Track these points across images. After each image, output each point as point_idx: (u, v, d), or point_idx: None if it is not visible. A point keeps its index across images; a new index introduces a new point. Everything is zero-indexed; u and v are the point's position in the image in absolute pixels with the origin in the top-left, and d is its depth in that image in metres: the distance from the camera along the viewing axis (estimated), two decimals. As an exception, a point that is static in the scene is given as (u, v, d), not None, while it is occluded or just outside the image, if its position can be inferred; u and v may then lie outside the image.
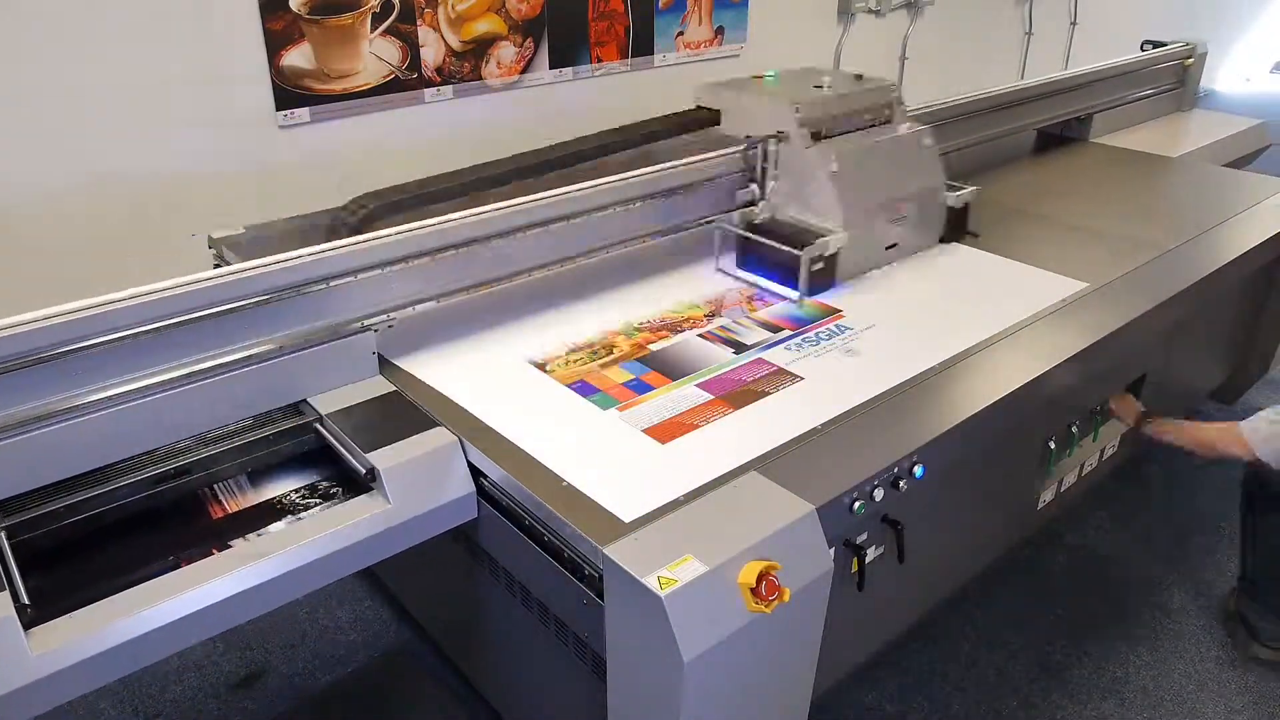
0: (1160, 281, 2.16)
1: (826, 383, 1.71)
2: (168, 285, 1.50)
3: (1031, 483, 2.10)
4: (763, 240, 2.08)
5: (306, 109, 2.86)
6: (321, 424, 1.62)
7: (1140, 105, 3.61)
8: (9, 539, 1.33)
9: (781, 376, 1.74)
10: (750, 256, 2.14)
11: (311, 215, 2.00)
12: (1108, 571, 2.46)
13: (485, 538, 1.63)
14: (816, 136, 2.13)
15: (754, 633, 1.27)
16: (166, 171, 2.66)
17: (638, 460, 1.49)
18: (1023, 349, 1.85)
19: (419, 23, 3.01)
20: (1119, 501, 2.73)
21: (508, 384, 1.73)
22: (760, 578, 1.24)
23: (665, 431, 1.56)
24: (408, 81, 3.05)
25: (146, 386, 1.49)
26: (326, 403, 1.66)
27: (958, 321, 1.95)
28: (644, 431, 1.57)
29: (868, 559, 1.58)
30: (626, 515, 1.35)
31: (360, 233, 1.74)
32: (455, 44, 3.12)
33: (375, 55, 2.95)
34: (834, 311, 2.00)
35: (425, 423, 1.59)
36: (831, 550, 1.40)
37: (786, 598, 1.26)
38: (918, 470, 1.53)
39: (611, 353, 1.83)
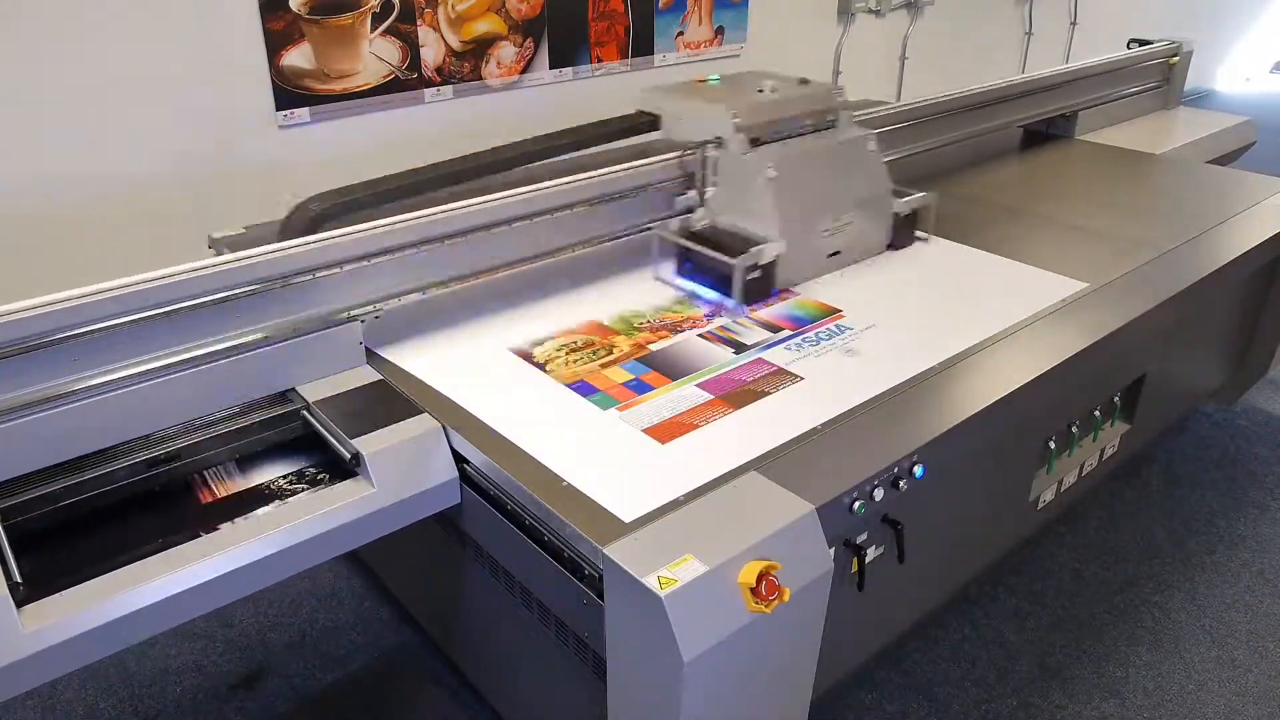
0: (1160, 281, 2.16)
1: (826, 383, 1.71)
2: (158, 275, 1.54)
3: (1031, 483, 2.10)
4: (698, 248, 2.03)
5: (306, 109, 2.87)
6: (309, 411, 1.65)
7: (1125, 103, 3.64)
8: (2, 521, 1.36)
9: (781, 376, 1.74)
10: (688, 264, 2.10)
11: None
12: (1108, 571, 2.46)
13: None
14: (755, 142, 2.09)
15: (754, 633, 1.27)
16: (166, 171, 2.67)
17: (638, 460, 1.49)
18: (1023, 349, 1.85)
19: (419, 23, 3.01)
20: (1119, 501, 2.73)
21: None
22: (760, 578, 1.24)
23: (665, 431, 1.57)
24: (408, 81, 3.05)
25: (138, 374, 1.53)
26: (314, 391, 1.70)
27: (958, 321, 1.95)
28: (644, 431, 1.57)
29: (868, 559, 1.58)
30: (626, 515, 1.35)
31: (311, 233, 1.76)
32: (455, 44, 3.13)
33: (375, 55, 2.95)
34: (834, 311, 2.00)
35: (410, 410, 1.63)
36: (831, 550, 1.40)
37: (786, 598, 1.26)
38: (918, 470, 1.53)
39: (611, 353, 1.83)
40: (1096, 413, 2.20)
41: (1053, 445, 2.09)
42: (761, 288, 2.03)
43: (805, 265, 2.14)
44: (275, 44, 2.74)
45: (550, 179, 1.99)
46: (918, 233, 2.37)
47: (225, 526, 1.43)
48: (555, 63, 3.42)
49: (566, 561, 1.40)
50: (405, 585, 2.22)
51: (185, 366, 1.57)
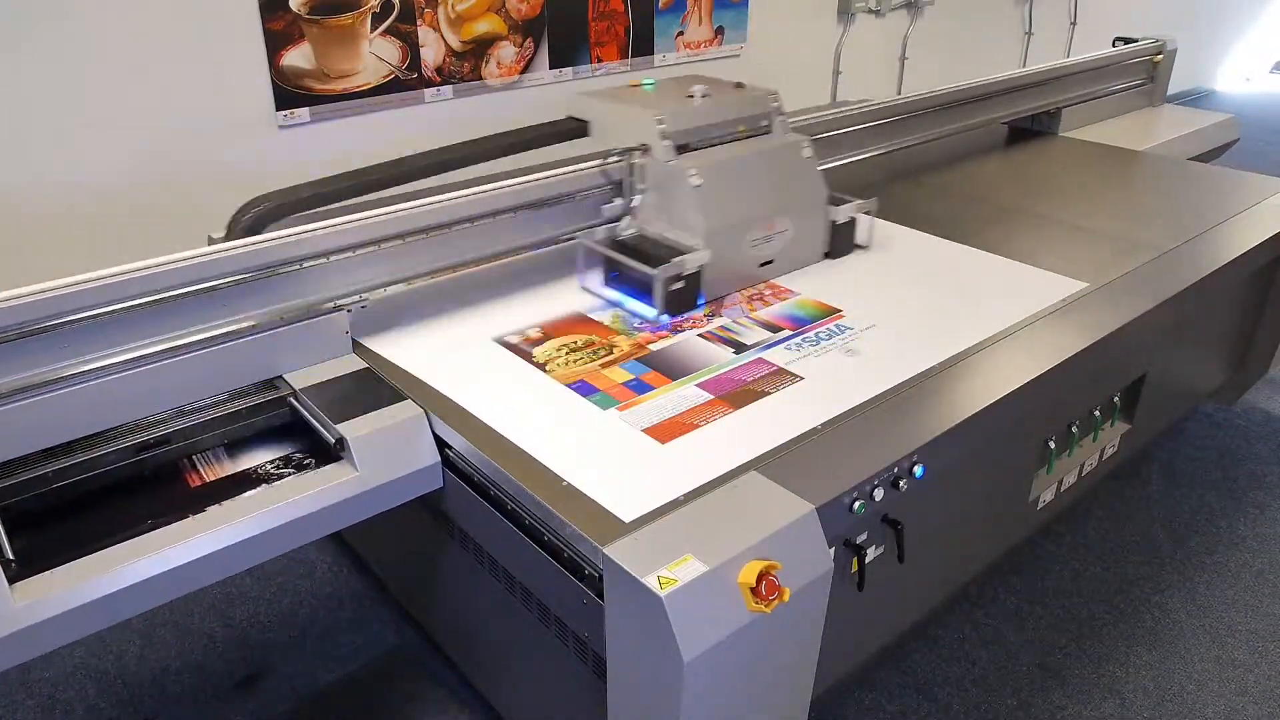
0: (1160, 281, 2.16)
1: (826, 383, 1.71)
2: (149, 264, 1.58)
3: (1031, 483, 2.10)
4: (620, 258, 1.99)
5: (306, 109, 2.87)
6: (295, 398, 1.70)
7: (1109, 100, 3.67)
8: (-3, 502, 1.41)
9: (781, 376, 1.74)
10: (614, 274, 2.04)
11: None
12: (1108, 571, 2.46)
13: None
14: (682, 149, 2.05)
15: (754, 633, 1.27)
16: (166, 171, 2.67)
17: (638, 460, 1.49)
18: (1023, 349, 1.85)
19: (419, 23, 3.02)
20: (1119, 501, 2.73)
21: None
22: (760, 577, 1.24)
23: (665, 431, 1.57)
24: (408, 81, 3.05)
25: (129, 360, 1.57)
26: (301, 379, 1.74)
27: (958, 321, 1.95)
28: (644, 431, 1.57)
29: (868, 559, 1.58)
30: (626, 515, 1.35)
31: (255, 233, 1.77)
32: (455, 44, 3.13)
33: (375, 55, 2.95)
34: (834, 311, 2.00)
35: (393, 396, 1.67)
36: (831, 550, 1.40)
37: (786, 598, 1.26)
38: (918, 470, 1.53)
39: (611, 352, 1.83)
40: (1096, 413, 2.20)
41: (1053, 445, 2.09)
42: (686, 298, 1.97)
43: (735, 275, 2.09)
44: (275, 44, 2.74)
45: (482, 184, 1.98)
46: (857, 241, 2.31)
47: (212, 508, 1.47)
48: (555, 63, 3.42)
49: (566, 561, 1.40)
50: (405, 585, 2.22)
51: (175, 354, 1.62)
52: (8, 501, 1.45)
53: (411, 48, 3.02)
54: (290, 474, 1.56)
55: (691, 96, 2.15)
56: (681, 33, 3.80)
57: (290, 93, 2.81)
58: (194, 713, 2.05)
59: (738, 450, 1.51)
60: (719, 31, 3.96)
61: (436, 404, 1.65)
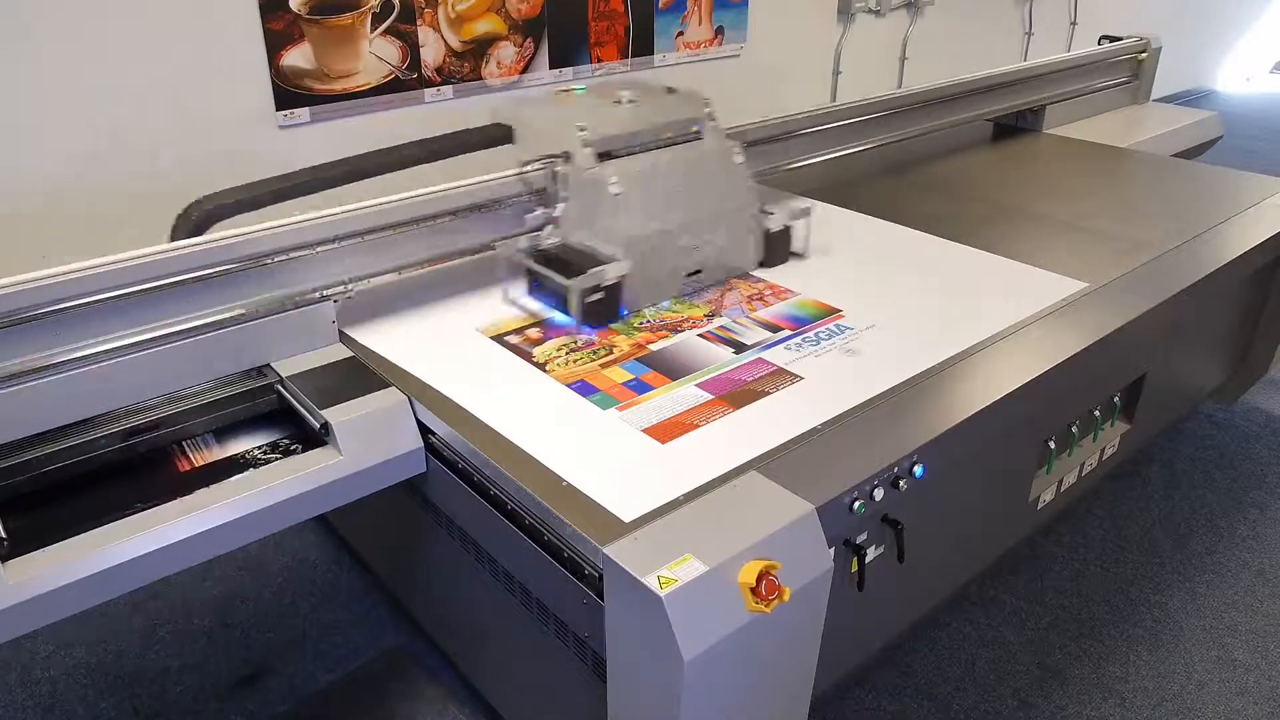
0: (1160, 281, 2.16)
1: (826, 383, 1.71)
2: (140, 254, 1.61)
3: (1031, 483, 2.10)
4: (538, 268, 1.95)
5: (306, 109, 2.87)
6: (282, 385, 1.75)
7: (1094, 98, 3.70)
8: (-10, 484, 1.46)
9: (781, 376, 1.74)
10: (536, 284, 2.00)
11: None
12: (1108, 571, 2.46)
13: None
14: (606, 156, 1.99)
15: (754, 632, 1.27)
16: (166, 171, 2.67)
17: (638, 460, 1.49)
18: (1023, 349, 1.85)
19: (419, 23, 3.02)
20: (1119, 501, 2.73)
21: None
22: (760, 577, 1.24)
23: (665, 431, 1.57)
24: (408, 81, 3.06)
25: (120, 347, 1.61)
26: (288, 367, 1.79)
27: (958, 321, 1.95)
28: (644, 431, 1.57)
29: (868, 559, 1.58)
30: (626, 515, 1.35)
31: (200, 233, 1.79)
32: (455, 44, 3.13)
33: (375, 55, 2.96)
34: (834, 311, 2.00)
35: (378, 383, 1.72)
36: (831, 550, 1.40)
37: (786, 597, 1.26)
38: (918, 470, 1.53)
39: (611, 352, 1.83)
40: (1096, 413, 2.20)
41: (1053, 445, 2.09)
42: (606, 310, 1.93)
43: (661, 285, 2.04)
44: (275, 44, 2.74)
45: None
46: (794, 249, 2.26)
47: (200, 491, 1.51)
48: (555, 63, 3.42)
49: (566, 561, 1.40)
50: (405, 584, 2.22)
51: (166, 341, 1.66)
52: (1, 484, 1.49)
53: (411, 48, 3.02)
54: (277, 458, 1.60)
55: (619, 102, 2.10)
56: (681, 33, 3.80)
57: (290, 93, 2.81)
58: (194, 713, 2.05)
59: (738, 450, 1.51)
60: (719, 31, 3.96)
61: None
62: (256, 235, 1.73)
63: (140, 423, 1.63)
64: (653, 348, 1.85)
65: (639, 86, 2.21)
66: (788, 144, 2.71)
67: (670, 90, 2.22)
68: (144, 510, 1.45)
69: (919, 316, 1.98)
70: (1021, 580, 2.43)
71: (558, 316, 1.96)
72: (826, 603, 1.39)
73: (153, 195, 2.66)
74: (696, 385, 1.71)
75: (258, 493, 1.50)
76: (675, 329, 1.93)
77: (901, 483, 1.51)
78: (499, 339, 1.89)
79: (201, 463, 1.61)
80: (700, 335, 1.90)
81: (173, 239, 1.78)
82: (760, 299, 2.06)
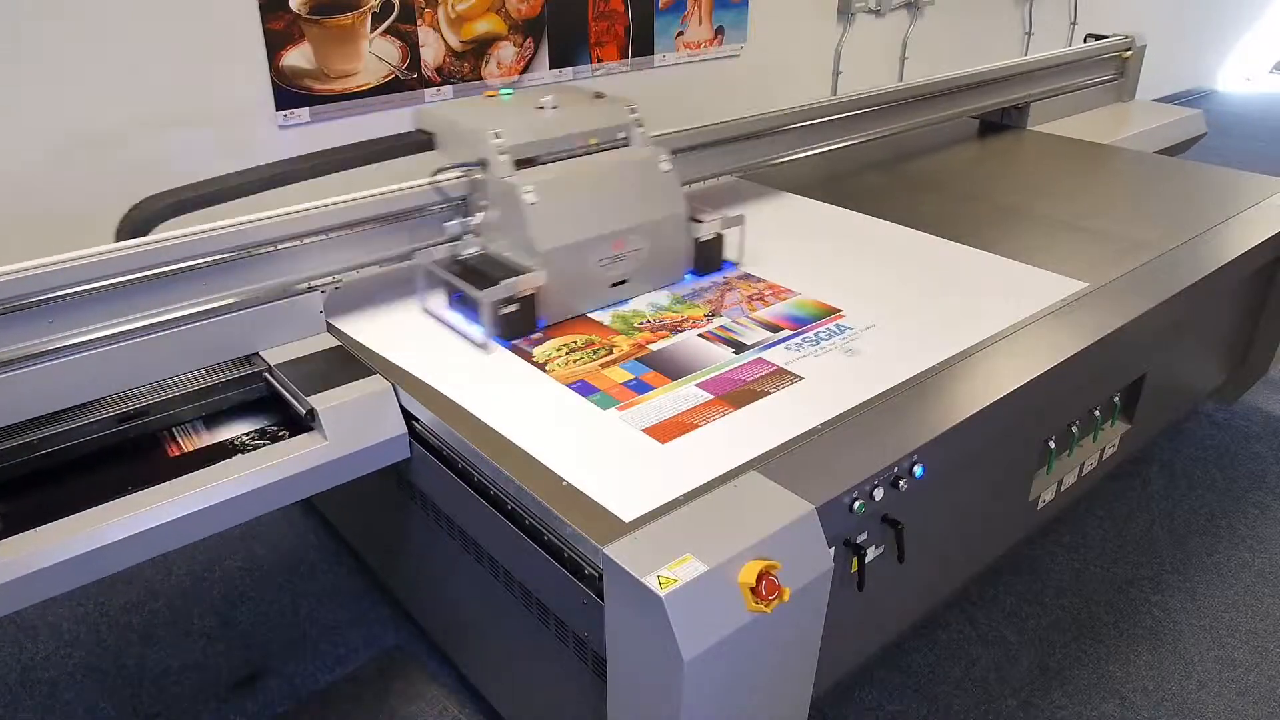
0: (1160, 281, 2.16)
1: (826, 383, 1.71)
2: (133, 244, 1.67)
3: (1031, 483, 2.10)
4: (452, 279, 1.90)
5: (306, 109, 2.87)
6: (270, 373, 1.79)
7: (1079, 95, 3.72)
8: (-19, 468, 1.50)
9: (781, 376, 1.74)
10: (456, 295, 1.96)
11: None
12: (1108, 571, 2.46)
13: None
14: (525, 163, 1.95)
15: (754, 632, 1.27)
16: (167, 171, 2.67)
17: (637, 460, 1.49)
18: (1023, 349, 1.85)
19: (419, 23, 3.02)
20: (1119, 501, 2.73)
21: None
22: (760, 577, 1.24)
23: (665, 431, 1.57)
24: (408, 81, 3.06)
25: (111, 335, 1.65)
26: (276, 355, 1.84)
27: (958, 321, 1.95)
28: (644, 431, 1.57)
29: (868, 559, 1.58)
30: (626, 515, 1.35)
31: (143, 234, 1.79)
32: (455, 44, 3.13)
33: (375, 55, 2.96)
34: (834, 311, 2.00)
35: (362, 371, 1.76)
36: (831, 550, 1.40)
37: (786, 597, 1.26)
38: (918, 470, 1.53)
39: (611, 352, 1.83)
40: (1096, 413, 2.20)
41: (1053, 445, 2.09)
42: (521, 322, 1.89)
43: (583, 295, 1.99)
44: (275, 44, 2.74)
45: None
46: (727, 257, 2.23)
47: (189, 475, 1.54)
48: (555, 63, 3.42)
49: (566, 561, 1.40)
50: (405, 584, 2.22)
51: (157, 329, 1.70)
52: (-6, 468, 1.53)
53: (411, 48, 3.02)
54: (265, 444, 1.63)
55: (541, 108, 2.06)
56: (681, 33, 3.80)
57: (290, 92, 2.81)
58: (194, 713, 2.05)
59: (738, 450, 1.51)
60: (719, 31, 3.96)
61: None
62: (246, 227, 1.77)
63: (132, 409, 1.67)
64: (653, 348, 1.85)
65: (565, 93, 2.18)
66: (774, 139, 2.71)
67: (598, 96, 2.18)
68: (135, 494, 1.48)
69: (919, 316, 1.98)
70: (1021, 580, 2.43)
71: (476, 331, 1.90)
72: (826, 603, 1.39)
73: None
74: (696, 385, 1.71)
75: (245, 476, 1.54)
76: (675, 329, 1.93)
77: (901, 483, 1.51)
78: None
79: (191, 448, 1.65)
80: (700, 335, 1.90)
81: (117, 239, 1.78)
82: (760, 299, 2.06)
